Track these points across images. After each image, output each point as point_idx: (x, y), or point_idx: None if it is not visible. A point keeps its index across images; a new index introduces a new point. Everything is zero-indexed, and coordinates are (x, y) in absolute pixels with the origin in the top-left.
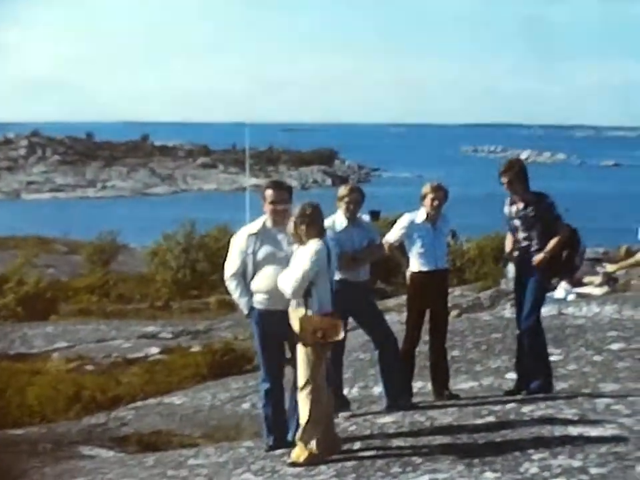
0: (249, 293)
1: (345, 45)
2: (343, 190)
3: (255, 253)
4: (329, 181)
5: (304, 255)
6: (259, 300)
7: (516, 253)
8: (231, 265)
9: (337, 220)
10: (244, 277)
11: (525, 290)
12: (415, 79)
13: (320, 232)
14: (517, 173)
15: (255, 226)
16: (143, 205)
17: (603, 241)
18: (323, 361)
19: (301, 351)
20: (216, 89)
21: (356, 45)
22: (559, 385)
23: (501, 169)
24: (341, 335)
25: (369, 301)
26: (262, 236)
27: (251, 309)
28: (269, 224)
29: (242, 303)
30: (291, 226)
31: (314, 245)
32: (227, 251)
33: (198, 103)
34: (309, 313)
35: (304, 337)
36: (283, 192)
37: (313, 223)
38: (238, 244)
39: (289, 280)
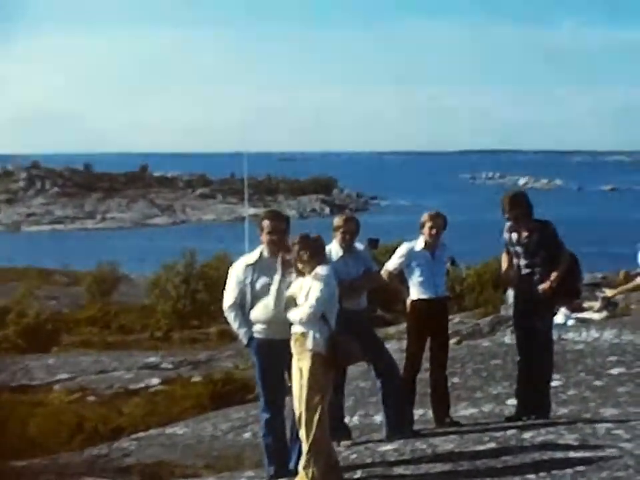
0: (248, 323)
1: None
2: (338, 220)
3: (252, 283)
4: (327, 210)
5: (316, 281)
6: (258, 330)
7: (513, 277)
8: (229, 295)
9: (332, 249)
10: (242, 307)
11: (526, 318)
12: (414, 107)
13: (324, 259)
14: (523, 209)
15: (252, 256)
16: (142, 236)
17: (601, 266)
18: (330, 387)
19: (306, 377)
20: (213, 118)
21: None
22: (560, 411)
23: (507, 206)
24: (356, 357)
25: (368, 329)
26: (259, 266)
27: (251, 338)
28: (266, 254)
29: (241, 333)
30: (293, 257)
31: (323, 270)
32: (226, 281)
33: (196, 132)
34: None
35: (321, 361)
36: (280, 222)
37: (316, 253)
38: (235, 274)
39: (305, 306)
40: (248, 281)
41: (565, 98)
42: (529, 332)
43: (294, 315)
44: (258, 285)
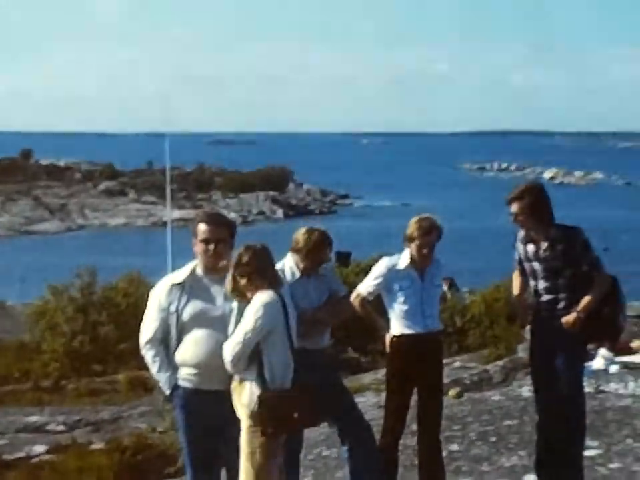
0: (171, 366)
1: (298, 26)
2: (304, 237)
3: (179, 311)
4: (280, 212)
5: (252, 307)
6: (186, 376)
7: (528, 307)
8: (149, 327)
9: (287, 267)
10: (165, 344)
11: (547, 361)
12: (396, 73)
13: (271, 281)
14: (529, 205)
15: (180, 274)
16: (23, 248)
17: None
18: (276, 459)
19: (246, 446)
20: (123, 88)
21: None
22: None
23: (508, 197)
24: (311, 417)
25: (332, 377)
26: (190, 288)
27: (175, 387)
28: (199, 271)
29: (162, 380)
30: (228, 280)
31: (260, 297)
32: (142, 309)
33: (96, 106)
34: (258, 389)
35: (258, 423)
36: (221, 227)
37: (256, 272)
38: (157, 299)
39: (227, 346)
40: (174, 307)
41: (606, 61)
42: (550, 381)
43: (224, 349)
44: (187, 314)
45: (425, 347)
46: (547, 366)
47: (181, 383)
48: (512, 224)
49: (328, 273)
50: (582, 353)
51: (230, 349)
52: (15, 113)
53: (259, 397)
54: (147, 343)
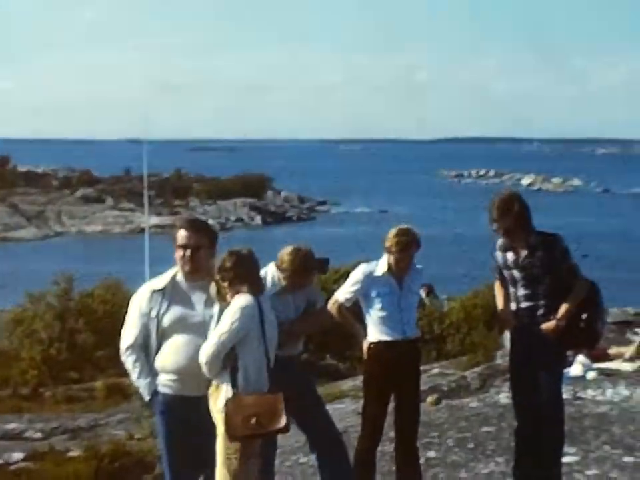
0: (151, 372)
1: (278, 34)
2: (289, 258)
3: (160, 317)
4: (258, 219)
5: (229, 310)
6: (166, 382)
7: (511, 312)
8: (129, 333)
9: (269, 275)
10: (146, 350)
11: (526, 367)
12: (378, 80)
13: (252, 287)
14: (516, 218)
15: (161, 281)
16: (1, 255)
17: (635, 298)
18: (252, 463)
19: (221, 451)
20: (101, 93)
21: (293, 34)
22: None
23: (493, 214)
24: (283, 422)
25: (305, 385)
26: (170, 294)
27: (155, 393)
28: (180, 277)
29: (142, 386)
30: (212, 284)
31: (238, 300)
32: (119, 316)
33: (77, 112)
34: (233, 392)
35: (231, 427)
36: (199, 233)
37: (237, 278)
38: (138, 304)
39: (203, 348)
40: (154, 313)
41: (587, 69)
42: (529, 387)
43: (200, 353)
44: (167, 320)
45: (402, 353)
46: (526, 372)
47: (161, 389)
48: (490, 231)
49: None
50: (561, 359)
51: (205, 351)
52: None
53: (227, 400)
54: (127, 348)
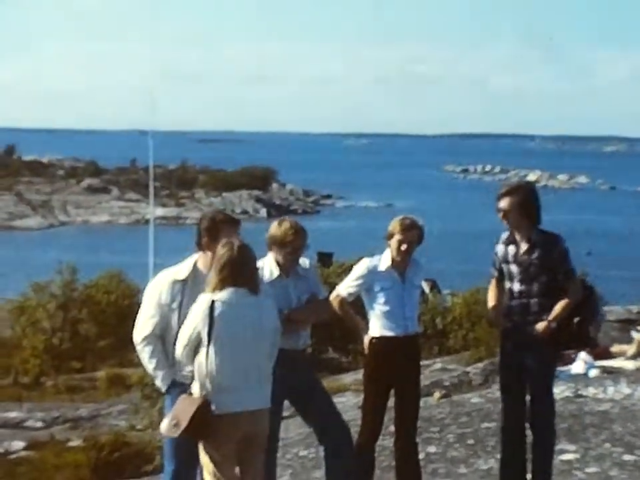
0: (169, 363)
1: (283, 25)
2: (275, 228)
3: (181, 307)
4: (263, 212)
5: (196, 306)
6: (186, 373)
7: (502, 317)
8: (146, 323)
9: (266, 266)
10: (163, 341)
11: (517, 363)
12: (381, 73)
13: (245, 280)
14: (520, 202)
15: (183, 270)
16: (5, 244)
17: (638, 296)
18: (228, 465)
19: (202, 454)
20: (106, 84)
21: (298, 25)
22: None
23: (500, 192)
24: (183, 425)
25: (309, 378)
26: (193, 284)
27: (173, 384)
28: (201, 267)
29: (160, 377)
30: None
31: (199, 298)
32: (123, 307)
33: (80, 103)
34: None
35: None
36: (235, 227)
37: (239, 265)
38: (158, 293)
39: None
40: (176, 304)
41: (595, 64)
42: (518, 387)
43: None
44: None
45: (403, 349)
46: (515, 371)
47: (180, 379)
48: (495, 226)
49: (310, 275)
50: (552, 356)
51: (176, 350)
52: None
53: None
54: (144, 338)
